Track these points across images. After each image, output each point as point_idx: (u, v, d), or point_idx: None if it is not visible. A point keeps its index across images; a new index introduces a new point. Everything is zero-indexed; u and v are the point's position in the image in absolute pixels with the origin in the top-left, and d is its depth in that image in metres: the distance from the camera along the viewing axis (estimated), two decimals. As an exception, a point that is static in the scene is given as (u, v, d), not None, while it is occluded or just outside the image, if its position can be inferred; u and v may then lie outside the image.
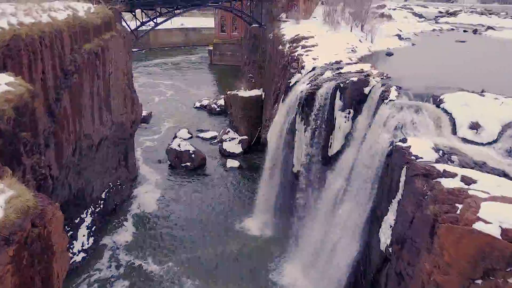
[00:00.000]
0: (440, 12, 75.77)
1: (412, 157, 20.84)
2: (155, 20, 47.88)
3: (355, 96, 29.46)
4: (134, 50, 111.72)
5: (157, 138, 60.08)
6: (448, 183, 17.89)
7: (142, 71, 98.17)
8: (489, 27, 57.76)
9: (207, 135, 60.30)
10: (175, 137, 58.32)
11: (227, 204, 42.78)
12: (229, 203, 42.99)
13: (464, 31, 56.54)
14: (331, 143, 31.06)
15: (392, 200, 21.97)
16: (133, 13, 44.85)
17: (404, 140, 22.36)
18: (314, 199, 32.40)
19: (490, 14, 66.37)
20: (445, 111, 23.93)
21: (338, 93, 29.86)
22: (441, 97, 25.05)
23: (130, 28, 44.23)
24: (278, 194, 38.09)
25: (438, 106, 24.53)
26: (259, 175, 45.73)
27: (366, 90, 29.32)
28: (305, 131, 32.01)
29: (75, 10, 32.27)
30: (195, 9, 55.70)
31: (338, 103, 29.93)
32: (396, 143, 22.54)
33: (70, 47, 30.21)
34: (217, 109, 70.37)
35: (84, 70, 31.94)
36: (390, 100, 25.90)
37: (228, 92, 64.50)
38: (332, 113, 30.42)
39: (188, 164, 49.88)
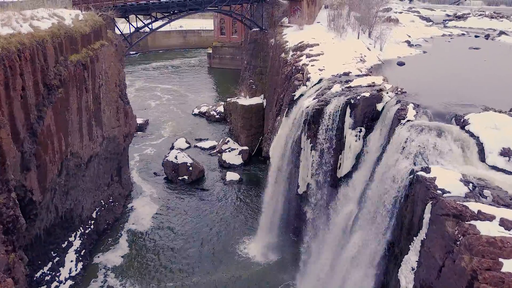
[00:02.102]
0: (448, 15, 72.96)
1: (438, 191, 18.23)
2: (150, 26, 45.20)
3: (367, 113, 26.91)
4: (131, 53, 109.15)
5: (153, 147, 57.32)
6: (485, 228, 15.29)
7: (139, 75, 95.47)
8: (501, 32, 55.09)
9: (206, 144, 57.59)
10: (172, 147, 55.68)
11: (226, 222, 40.09)
12: (229, 221, 40.30)
13: (476, 36, 53.87)
14: (340, 163, 28.47)
15: (414, 238, 19.36)
16: (127, 19, 42.12)
17: (427, 170, 19.72)
18: (322, 224, 29.79)
19: (500, 17, 63.66)
20: (471, 135, 21.30)
21: (348, 110, 27.26)
22: (466, 117, 22.43)
23: (123, 35, 41.53)
24: (282, 214, 35.47)
25: (462, 128, 21.91)
26: (261, 190, 43.16)
27: (379, 106, 26.79)
28: (311, 150, 29.38)
29: (61, 18, 29.62)
30: (192, 14, 52.94)
31: (348, 120, 27.34)
32: (418, 173, 19.89)
33: (55, 59, 27.58)
34: (216, 116, 67.68)
35: (70, 84, 29.32)
36: (407, 121, 23.27)
37: (228, 100, 61.92)
38: (341, 131, 27.83)
39: (186, 177, 47.24)
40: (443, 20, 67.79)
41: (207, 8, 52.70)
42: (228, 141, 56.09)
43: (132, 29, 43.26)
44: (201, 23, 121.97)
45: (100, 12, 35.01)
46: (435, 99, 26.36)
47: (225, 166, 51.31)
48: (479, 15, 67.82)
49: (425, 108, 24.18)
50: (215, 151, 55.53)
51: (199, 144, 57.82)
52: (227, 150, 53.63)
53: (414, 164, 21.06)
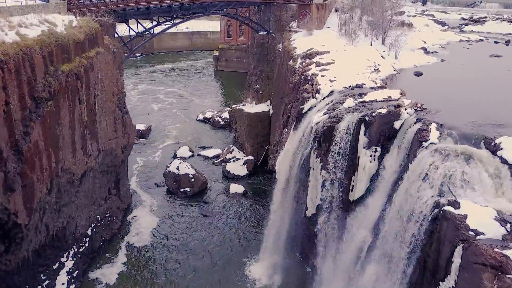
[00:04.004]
0: (463, 18, 69.94)
1: (470, 232, 15.76)
2: (151, 31, 43.07)
3: (383, 131, 24.47)
4: (136, 55, 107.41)
5: (155, 156, 55.19)
6: (532, 287, 12.79)
7: (143, 78, 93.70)
8: (522, 38, 52.18)
9: (210, 153, 55.33)
10: (175, 155, 53.61)
11: (229, 239, 37.81)
12: (232, 238, 38.01)
13: (495, 42, 51.00)
14: (353, 185, 26.01)
15: (440, 283, 16.89)
16: (127, 24, 40.02)
17: (455, 204, 17.23)
18: (332, 250, 27.38)
19: (521, 22, 60.64)
20: (504, 162, 18.78)
21: (362, 128, 24.80)
22: (497, 141, 19.92)
23: (123, 40, 39.43)
24: (288, 234, 33.13)
25: (493, 154, 19.39)
26: (266, 204, 40.91)
27: (397, 124, 24.32)
28: (321, 170, 26.95)
29: (52, 24, 27.51)
30: (196, 18, 50.75)
31: (363, 139, 24.90)
32: (445, 207, 17.41)
33: (44, 70, 25.45)
34: (221, 122, 65.43)
35: (61, 96, 27.21)
36: (431, 143, 20.76)
37: (233, 106, 59.64)
38: (354, 150, 25.38)
39: (188, 189, 45.02)
40: (459, 24, 64.85)
41: (212, 12, 50.46)
42: (233, 149, 53.83)
43: (133, 34, 41.15)
44: (208, 24, 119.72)
45: (97, 18, 32.84)
46: (459, 117, 23.85)
47: (229, 177, 49.03)
48: (497, 19, 64.77)
49: (449, 129, 21.64)
50: (219, 160, 53.28)
51: (203, 152, 55.59)
52: (231, 160, 51.34)
53: (439, 195, 18.57)
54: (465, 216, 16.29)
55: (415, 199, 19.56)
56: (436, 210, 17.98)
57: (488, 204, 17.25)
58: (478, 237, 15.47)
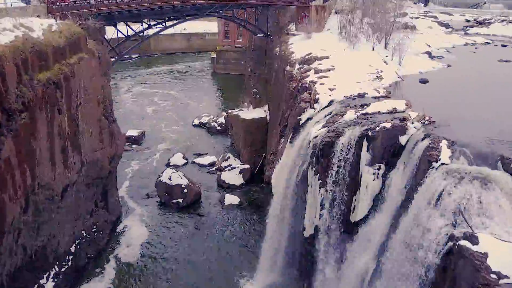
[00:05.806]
0: (467, 20, 67.78)
1: (492, 275, 13.59)
2: (142, 34, 40.91)
3: (387, 147, 22.35)
4: (133, 56, 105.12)
5: (148, 163, 53.00)
6: None
7: (139, 80, 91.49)
8: (530, 41, 49.98)
9: (205, 160, 53.14)
10: (168, 163, 51.45)
11: (222, 255, 35.69)
12: (226, 254, 35.88)
13: (503, 45, 48.81)
14: (354, 205, 23.85)
15: (456, 330, 14.72)
16: (115, 27, 37.87)
17: (472, 239, 15.05)
18: (331, 274, 25.22)
19: (528, 24, 58.43)
20: (526, 187, 16.61)
21: (365, 143, 22.64)
22: (516, 162, 17.74)
23: (110, 45, 37.27)
24: (286, 251, 31.04)
25: (513, 177, 17.23)
26: (262, 216, 38.76)
27: (403, 139, 22.17)
28: (320, 188, 24.78)
29: (28, 29, 25.36)
30: (190, 20, 48.63)
31: (365, 155, 22.75)
32: (461, 242, 15.24)
33: (17, 80, 23.27)
34: (218, 127, 63.26)
35: (38, 106, 25.02)
36: (442, 164, 18.58)
37: (229, 111, 57.45)
38: (356, 167, 23.21)
39: (180, 200, 42.82)
40: (464, 27, 62.60)
41: (206, 14, 48.31)
42: (228, 157, 51.63)
43: (122, 38, 38.98)
44: (205, 25, 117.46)
45: (80, 21, 30.68)
46: (472, 132, 21.69)
47: (224, 187, 46.86)
48: (502, 21, 62.56)
49: (462, 147, 19.44)
50: (214, 168, 51.10)
51: (198, 160, 53.40)
52: (227, 169, 49.18)
53: (454, 225, 16.40)
54: (486, 255, 14.15)
55: (425, 228, 17.39)
56: (450, 243, 15.81)
57: (510, 237, 15.08)
58: (501, 281, 13.35)
